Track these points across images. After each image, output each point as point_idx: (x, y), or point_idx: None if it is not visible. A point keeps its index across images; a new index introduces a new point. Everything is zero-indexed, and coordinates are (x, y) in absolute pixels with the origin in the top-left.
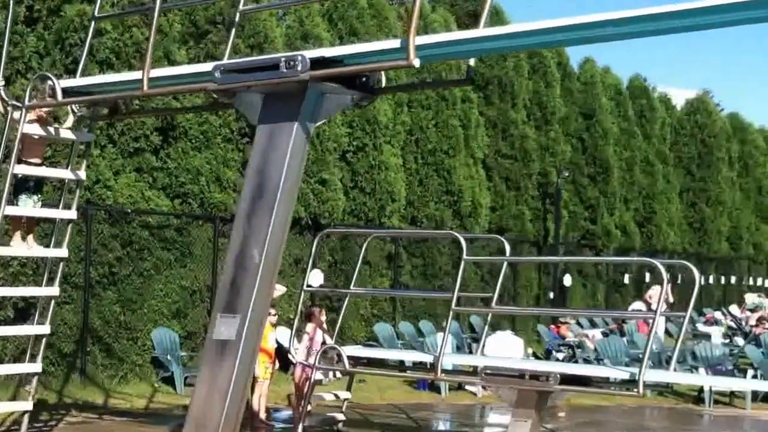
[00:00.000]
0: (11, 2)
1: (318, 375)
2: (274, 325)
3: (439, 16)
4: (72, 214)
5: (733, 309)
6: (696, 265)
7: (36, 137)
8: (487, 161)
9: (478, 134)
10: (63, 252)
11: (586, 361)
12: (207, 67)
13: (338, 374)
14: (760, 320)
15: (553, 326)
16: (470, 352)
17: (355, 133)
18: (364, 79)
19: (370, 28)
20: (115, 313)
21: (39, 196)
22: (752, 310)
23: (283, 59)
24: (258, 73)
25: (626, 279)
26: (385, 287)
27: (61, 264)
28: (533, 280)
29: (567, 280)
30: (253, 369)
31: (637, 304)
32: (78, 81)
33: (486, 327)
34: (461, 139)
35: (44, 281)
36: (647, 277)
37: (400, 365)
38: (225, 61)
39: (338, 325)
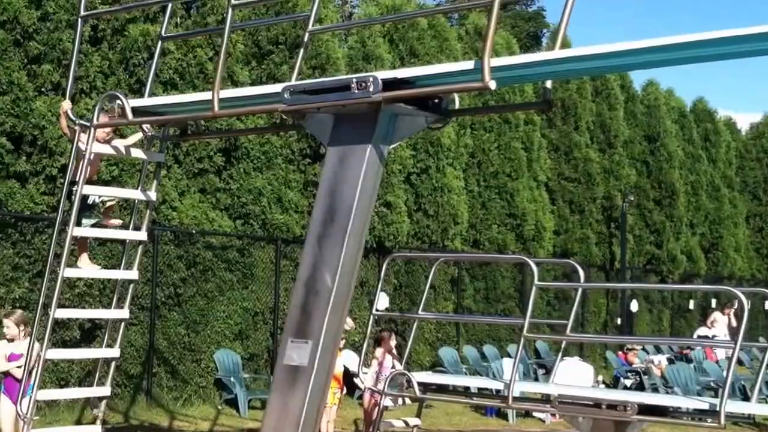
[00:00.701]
0: (79, 23)
1: (387, 401)
2: (341, 349)
3: (500, 38)
4: (143, 235)
5: None
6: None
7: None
8: (550, 184)
9: (540, 157)
10: (134, 274)
11: (654, 388)
12: (276, 88)
13: (407, 400)
14: None
15: (620, 353)
16: (536, 379)
17: (418, 155)
18: (437, 101)
19: (431, 49)
20: (179, 334)
21: (96, 218)
22: None
23: (354, 80)
24: (329, 95)
25: (691, 305)
26: (448, 311)
27: (131, 286)
28: (601, 305)
29: (634, 305)
30: (326, 396)
31: (702, 330)
32: (147, 101)
33: (560, 354)
34: (524, 161)
35: (114, 303)
36: (713, 303)
37: (470, 391)
38: (294, 82)
39: (407, 350)
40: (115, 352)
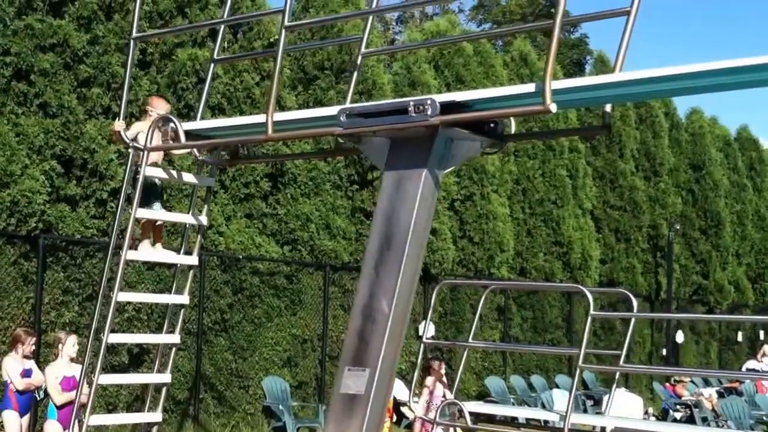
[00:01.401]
0: (131, 44)
1: (438, 431)
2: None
3: (543, 64)
4: (194, 260)
5: None
6: None
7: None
8: (596, 212)
9: (586, 184)
10: (184, 299)
11: (705, 421)
12: (332, 110)
13: (459, 430)
14: None
15: (668, 384)
16: (585, 410)
17: (462, 182)
18: (492, 125)
19: (477, 75)
20: (227, 360)
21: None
22: None
23: (411, 103)
24: (385, 117)
25: (740, 337)
26: (495, 340)
27: (182, 311)
28: (646, 336)
29: (680, 336)
30: (382, 426)
31: (751, 363)
32: (200, 124)
33: (614, 385)
34: (569, 189)
35: (165, 329)
36: (761, 334)
37: (521, 422)
38: (350, 104)
39: (457, 379)
40: (165, 377)
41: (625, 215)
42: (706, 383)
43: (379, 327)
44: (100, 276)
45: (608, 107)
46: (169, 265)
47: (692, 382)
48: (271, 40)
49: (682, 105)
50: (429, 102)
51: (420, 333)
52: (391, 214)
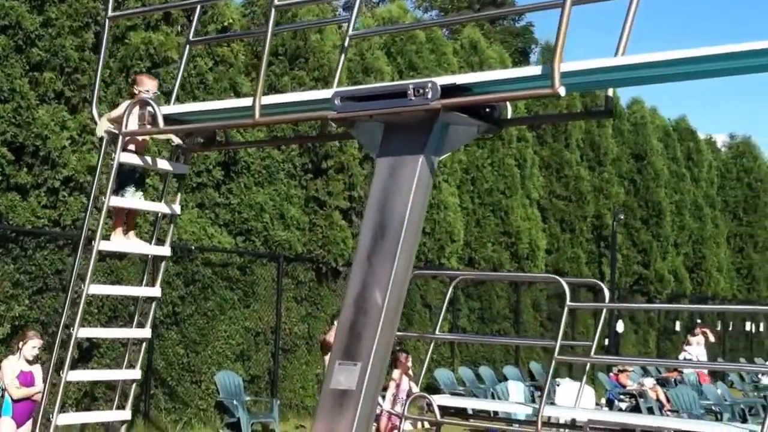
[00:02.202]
0: (107, 23)
1: (406, 424)
2: None
3: (494, 53)
4: (166, 250)
5: None
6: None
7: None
8: (542, 202)
9: (533, 174)
10: (156, 291)
11: (650, 410)
12: (325, 93)
13: (426, 424)
14: None
15: (613, 374)
16: (533, 400)
17: None
18: (488, 109)
19: (429, 62)
20: (178, 354)
21: (142, 191)
22: None
23: (411, 86)
24: (382, 101)
25: (677, 326)
26: (443, 331)
27: (153, 304)
28: (590, 326)
29: (620, 326)
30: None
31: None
32: (180, 108)
33: (584, 377)
34: (517, 179)
35: (135, 323)
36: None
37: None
38: (345, 87)
39: (422, 372)
40: (136, 373)
41: (571, 205)
42: (645, 372)
43: (371, 319)
44: (52, 268)
45: (610, 91)
46: (142, 256)
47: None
48: (225, 24)
49: (624, 95)
50: (430, 85)
51: None
52: (385, 203)
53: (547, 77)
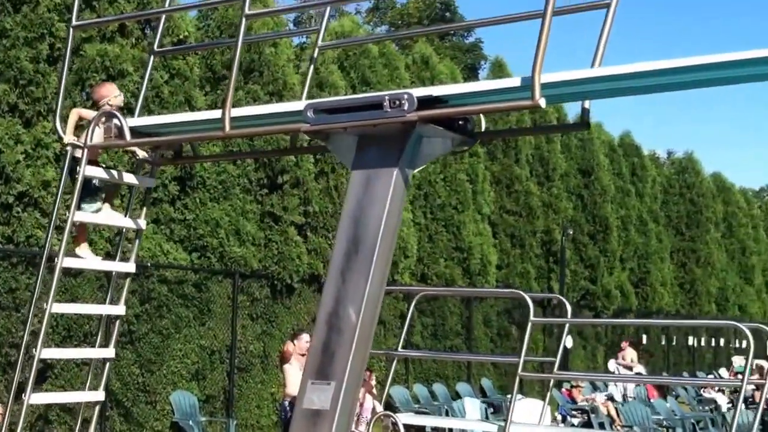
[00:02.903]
0: (70, 32)
1: None
2: None
3: (445, 68)
4: (131, 267)
5: (722, 372)
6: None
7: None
8: (492, 217)
9: (484, 190)
10: (120, 309)
11: (602, 426)
12: (297, 105)
13: None
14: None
15: (565, 390)
16: (486, 417)
17: None
18: (461, 122)
19: (382, 77)
20: (133, 374)
21: (99, 205)
22: (737, 375)
23: (387, 98)
24: (357, 113)
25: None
26: (397, 348)
27: (117, 322)
28: (539, 341)
29: (569, 342)
30: None
31: (637, 368)
32: (147, 120)
33: (548, 393)
34: (469, 194)
35: (98, 342)
36: (644, 339)
37: None
38: (319, 99)
39: (385, 391)
40: (99, 395)
41: (521, 220)
42: (594, 388)
43: (345, 337)
44: (5, 286)
45: (587, 103)
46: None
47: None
48: (181, 36)
49: (570, 110)
50: (406, 96)
51: None
52: (360, 216)
53: (526, 89)
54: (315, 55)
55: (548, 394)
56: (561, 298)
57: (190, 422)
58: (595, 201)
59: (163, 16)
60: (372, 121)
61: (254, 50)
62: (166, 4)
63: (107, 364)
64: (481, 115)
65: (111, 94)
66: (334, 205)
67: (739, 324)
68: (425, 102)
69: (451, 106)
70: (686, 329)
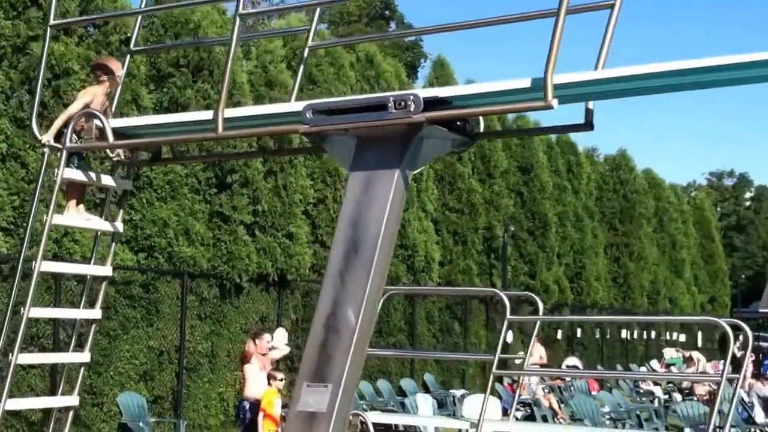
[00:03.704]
0: (48, 32)
1: None
2: (281, 390)
3: (390, 66)
4: (107, 270)
5: (654, 364)
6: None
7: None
8: (435, 215)
9: (428, 187)
10: (96, 313)
11: (545, 419)
12: (296, 106)
13: None
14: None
15: (507, 384)
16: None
17: (316, 185)
18: (458, 123)
19: (329, 76)
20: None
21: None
22: (669, 366)
23: (392, 99)
24: (358, 114)
25: (559, 335)
26: None
27: (93, 327)
28: (482, 336)
29: (510, 336)
30: None
31: (571, 360)
32: (132, 121)
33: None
34: (413, 192)
35: (71, 346)
36: (578, 332)
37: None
38: (318, 100)
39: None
40: (74, 400)
41: (463, 217)
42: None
43: (344, 339)
44: None
45: (591, 104)
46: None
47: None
48: (128, 34)
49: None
50: (412, 98)
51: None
52: (359, 218)
53: (538, 90)
54: (305, 55)
55: (487, 390)
56: (533, 295)
57: (140, 423)
58: (534, 198)
59: (139, 17)
60: (377, 122)
61: (203, 49)
62: (142, 5)
63: (82, 369)
64: (480, 117)
65: (118, 71)
66: (283, 204)
67: (719, 320)
68: (429, 103)
69: (456, 107)
70: (620, 322)
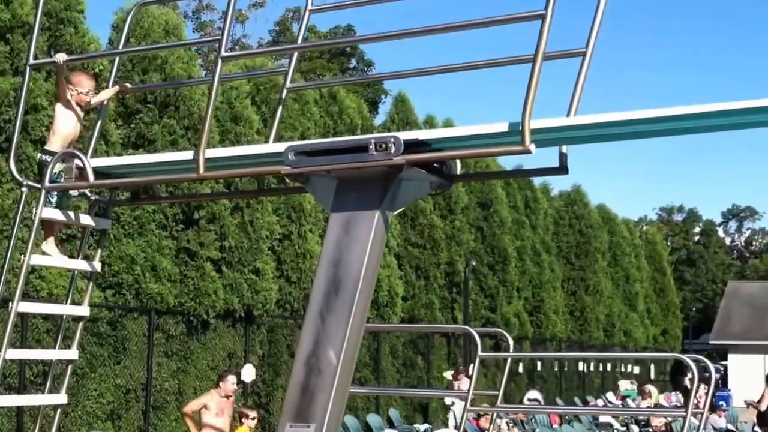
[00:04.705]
0: (27, 71)
1: None
2: (252, 429)
3: (353, 102)
4: (84, 310)
5: (610, 396)
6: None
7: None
8: (397, 250)
9: (391, 223)
10: (73, 354)
11: None
12: (277, 147)
13: None
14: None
15: (473, 419)
16: None
17: (281, 221)
18: (436, 165)
19: (293, 112)
20: (48, 416)
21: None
22: (624, 398)
23: (373, 141)
24: (340, 156)
25: (521, 368)
26: None
27: (69, 367)
28: (444, 370)
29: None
30: None
31: (532, 393)
32: (112, 161)
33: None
34: None
35: (47, 388)
36: (539, 365)
37: None
38: (298, 142)
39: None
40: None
41: (425, 252)
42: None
43: (325, 378)
44: None
45: (564, 148)
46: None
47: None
48: (96, 70)
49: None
50: (392, 140)
51: (242, 377)
52: (339, 258)
53: (515, 134)
54: (284, 96)
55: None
56: (503, 332)
57: None
58: (494, 233)
59: (117, 58)
60: (357, 164)
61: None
62: (120, 46)
63: (57, 412)
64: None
65: (83, 89)
66: (250, 240)
67: (684, 357)
68: (409, 145)
69: (435, 149)
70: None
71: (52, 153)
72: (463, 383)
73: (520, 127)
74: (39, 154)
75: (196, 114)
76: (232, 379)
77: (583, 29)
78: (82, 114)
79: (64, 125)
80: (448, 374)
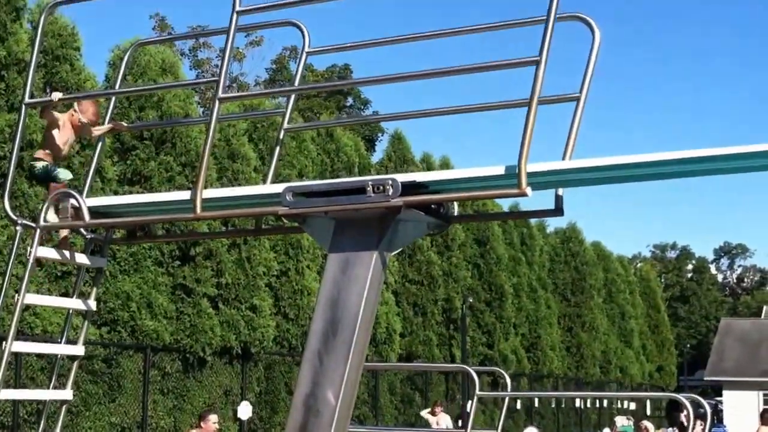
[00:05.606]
0: (23, 110)
1: None
2: None
3: (350, 140)
4: (79, 350)
5: None
6: (575, 388)
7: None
8: (395, 286)
9: (389, 260)
10: (67, 394)
11: None
12: (275, 188)
13: None
14: None
15: None
16: None
17: (279, 258)
18: (433, 206)
19: (291, 149)
20: None
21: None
22: None
23: (370, 183)
24: (338, 197)
25: (518, 405)
26: None
27: (64, 408)
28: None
29: (468, 407)
30: None
31: (530, 430)
32: (107, 200)
33: None
34: None
35: (41, 428)
36: (536, 402)
37: None
38: (296, 183)
39: None
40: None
41: (423, 289)
42: None
43: (324, 420)
44: None
45: (560, 191)
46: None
47: None
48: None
49: None
50: (390, 182)
51: (238, 415)
52: (337, 299)
53: (512, 177)
54: (281, 136)
55: None
56: (501, 371)
57: None
58: (491, 269)
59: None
60: (355, 205)
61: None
62: (117, 85)
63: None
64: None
65: (85, 117)
66: (246, 277)
67: (678, 396)
68: (407, 187)
69: (432, 192)
70: (573, 389)
71: (41, 159)
72: (441, 418)
73: (517, 171)
74: (30, 163)
75: (192, 151)
76: (213, 418)
77: (579, 67)
78: (74, 137)
79: (57, 136)
80: (424, 413)
